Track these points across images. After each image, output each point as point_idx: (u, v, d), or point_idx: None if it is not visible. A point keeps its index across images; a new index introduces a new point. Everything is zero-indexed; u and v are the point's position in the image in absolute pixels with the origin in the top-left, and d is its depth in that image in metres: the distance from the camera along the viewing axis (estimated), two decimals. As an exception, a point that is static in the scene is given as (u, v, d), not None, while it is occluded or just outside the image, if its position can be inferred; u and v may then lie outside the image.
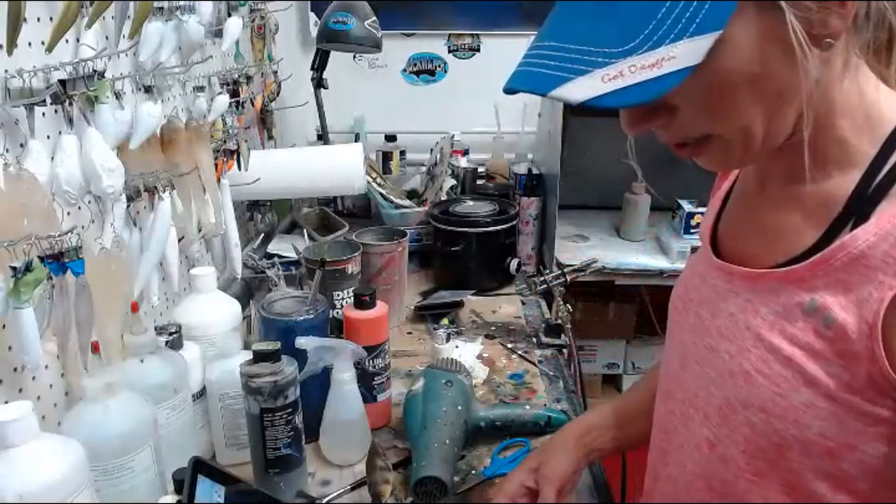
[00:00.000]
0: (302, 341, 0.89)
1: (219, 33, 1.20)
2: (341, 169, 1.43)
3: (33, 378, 0.78)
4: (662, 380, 0.70)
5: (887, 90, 0.53)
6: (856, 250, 0.49)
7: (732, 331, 0.58)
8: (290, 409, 0.84)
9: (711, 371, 0.60)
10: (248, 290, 1.40)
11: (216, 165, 1.14)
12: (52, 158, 0.76)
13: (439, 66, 2.09)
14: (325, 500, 0.87)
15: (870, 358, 0.48)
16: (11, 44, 0.69)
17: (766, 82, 0.48)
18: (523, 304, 1.49)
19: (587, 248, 1.77)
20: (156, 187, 0.93)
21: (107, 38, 0.90)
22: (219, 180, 1.15)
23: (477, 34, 2.05)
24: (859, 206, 0.50)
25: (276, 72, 1.69)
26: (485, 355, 1.24)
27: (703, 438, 0.61)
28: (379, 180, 1.70)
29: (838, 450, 0.51)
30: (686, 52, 0.44)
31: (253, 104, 1.49)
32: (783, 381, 0.52)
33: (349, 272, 1.18)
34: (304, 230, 1.52)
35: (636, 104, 0.46)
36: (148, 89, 0.94)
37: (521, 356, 1.25)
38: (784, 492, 0.55)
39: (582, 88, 0.45)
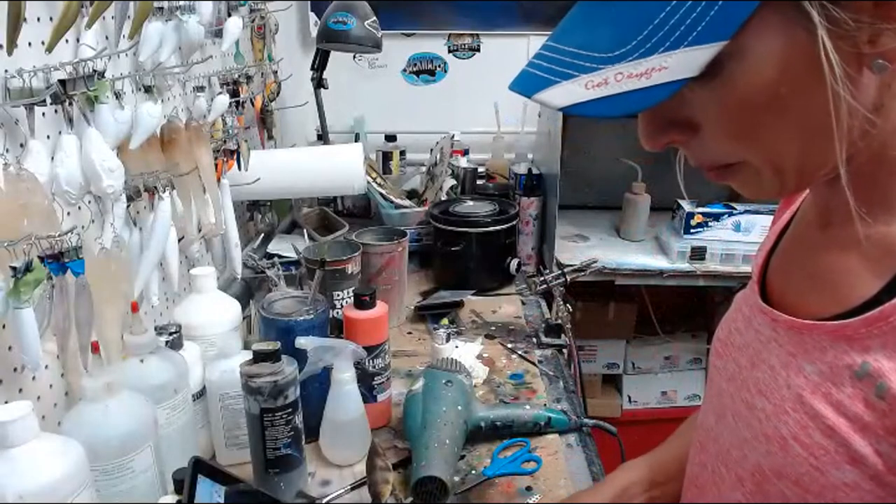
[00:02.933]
0: (302, 341, 0.89)
1: (219, 33, 1.20)
2: (341, 169, 1.43)
3: (33, 378, 0.78)
4: (699, 429, 0.64)
5: None
6: None
7: (772, 387, 0.51)
8: (290, 409, 0.84)
9: (746, 430, 0.53)
10: (248, 290, 1.40)
11: (216, 165, 1.14)
12: (52, 158, 0.76)
13: (439, 66, 2.09)
14: (325, 500, 0.87)
15: None
16: (11, 44, 0.69)
17: (796, 106, 0.42)
18: (523, 304, 1.49)
19: (587, 248, 1.77)
20: (156, 187, 0.93)
21: (107, 38, 0.90)
22: (219, 180, 1.15)
23: (477, 34, 2.05)
24: None
25: (276, 72, 1.69)
26: (485, 355, 1.24)
27: (723, 495, 0.56)
28: (379, 180, 1.70)
29: None
30: (680, 63, 0.39)
31: (253, 104, 1.49)
32: (823, 453, 0.46)
33: (349, 272, 1.18)
34: (304, 230, 1.52)
35: (615, 116, 0.41)
36: (148, 89, 0.94)
37: (521, 356, 1.25)
38: None
39: (564, 94, 0.42)
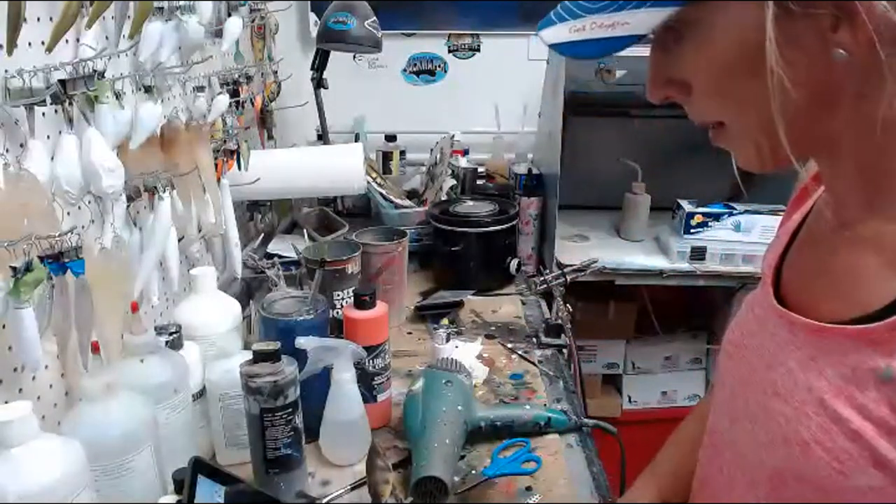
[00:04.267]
0: (302, 341, 0.89)
1: (219, 33, 1.20)
2: (341, 169, 1.43)
3: (33, 378, 0.78)
4: (711, 433, 0.64)
5: None
6: None
7: (791, 390, 0.50)
8: (290, 409, 0.84)
9: (763, 434, 0.53)
10: (248, 290, 1.40)
11: (216, 165, 1.14)
12: (52, 158, 0.76)
13: (439, 66, 2.09)
14: (325, 500, 0.87)
15: None
16: (11, 44, 0.69)
17: (758, 74, 0.44)
18: (523, 304, 1.48)
19: (587, 248, 1.77)
20: (156, 187, 0.93)
21: (107, 38, 0.90)
22: (219, 180, 1.15)
23: (477, 34, 2.05)
24: None
25: (276, 72, 1.69)
26: (485, 355, 1.24)
27: (738, 497, 0.55)
28: (379, 180, 1.70)
29: None
30: (639, 22, 0.45)
31: (253, 104, 1.49)
32: (847, 458, 0.45)
33: (349, 272, 1.18)
34: (304, 230, 1.52)
35: (578, 57, 0.49)
36: (148, 89, 0.94)
37: (521, 356, 1.25)
38: None
39: (553, 34, 0.50)
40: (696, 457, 0.67)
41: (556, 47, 0.50)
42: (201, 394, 0.92)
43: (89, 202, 0.86)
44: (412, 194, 1.80)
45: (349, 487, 0.90)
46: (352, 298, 1.04)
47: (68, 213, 0.80)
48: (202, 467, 0.69)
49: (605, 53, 0.48)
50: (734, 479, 0.57)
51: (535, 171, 1.71)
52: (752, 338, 0.58)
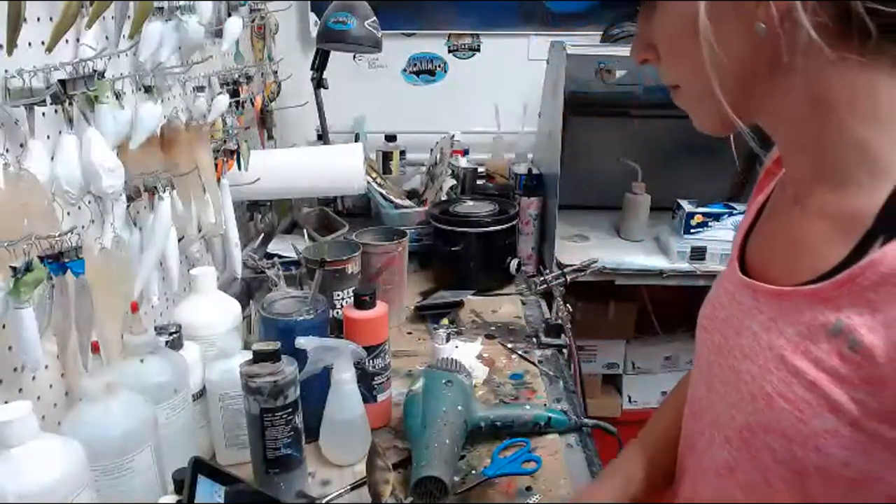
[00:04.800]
0: (302, 341, 0.89)
1: (219, 33, 1.20)
2: (341, 169, 1.43)
3: (33, 378, 0.78)
4: (691, 401, 0.68)
5: None
6: (886, 268, 0.45)
7: (755, 351, 0.55)
8: (290, 409, 0.84)
9: (734, 393, 0.57)
10: (248, 290, 1.40)
11: (216, 165, 1.14)
12: (52, 158, 0.76)
13: (439, 66, 2.09)
14: (325, 500, 0.87)
15: None
16: (11, 44, 0.69)
17: (706, 39, 0.49)
18: (523, 304, 1.48)
19: (587, 248, 1.77)
20: (156, 187, 0.93)
21: (107, 38, 0.90)
22: (219, 180, 1.15)
23: (477, 34, 2.05)
24: (891, 222, 0.47)
25: (276, 72, 1.69)
26: (485, 355, 1.24)
27: (722, 462, 0.59)
28: (379, 180, 1.70)
29: (862, 481, 0.48)
30: None
31: (253, 104, 1.49)
32: (805, 406, 0.49)
33: (349, 272, 1.18)
34: (304, 230, 1.52)
35: (564, 11, 0.57)
36: (148, 89, 0.94)
37: (521, 356, 1.25)
38: None
39: None
40: (680, 424, 0.71)
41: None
42: (201, 394, 0.92)
43: (89, 202, 0.86)
44: (412, 194, 1.80)
45: (349, 487, 0.90)
46: (352, 298, 1.04)
47: (68, 213, 0.80)
48: (202, 467, 0.69)
49: (567, 10, 0.53)
50: (713, 439, 0.61)
51: (535, 171, 1.71)
52: (723, 310, 0.63)
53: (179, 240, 1.03)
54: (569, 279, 1.33)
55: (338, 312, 1.14)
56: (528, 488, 0.90)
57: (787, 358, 0.51)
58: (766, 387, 0.52)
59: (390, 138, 1.97)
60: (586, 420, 1.03)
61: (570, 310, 1.32)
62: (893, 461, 0.47)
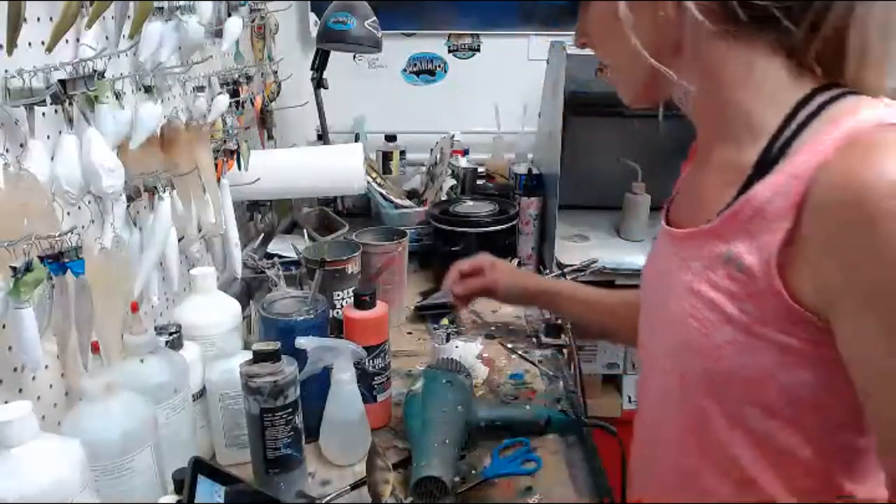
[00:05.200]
0: (302, 341, 0.89)
1: (219, 33, 1.20)
2: (341, 169, 1.43)
3: (33, 378, 0.78)
4: (640, 348, 0.78)
5: (802, 75, 0.59)
6: (757, 203, 0.57)
7: (674, 286, 0.66)
8: (290, 409, 0.84)
9: (661, 325, 0.69)
10: (248, 290, 1.40)
11: (216, 165, 1.14)
12: (52, 158, 0.76)
13: (439, 66, 2.09)
14: (325, 500, 0.87)
15: (774, 293, 0.56)
16: (11, 44, 0.69)
17: (622, 27, 0.61)
18: (523, 304, 1.48)
19: (587, 248, 1.77)
20: (156, 187, 0.93)
21: (107, 38, 0.90)
22: (219, 180, 1.15)
23: (477, 34, 2.05)
24: (763, 168, 0.58)
25: (276, 72, 1.69)
26: (485, 355, 1.24)
27: (660, 386, 0.71)
28: (379, 180, 1.70)
29: (760, 379, 0.59)
30: None
31: (253, 104, 1.49)
32: (709, 323, 0.61)
33: (349, 272, 1.18)
34: (304, 230, 1.52)
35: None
36: (148, 89, 0.94)
37: (521, 356, 1.25)
38: (726, 423, 0.63)
39: None
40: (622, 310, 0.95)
41: None
42: (201, 394, 0.92)
43: (89, 202, 0.86)
44: (412, 194, 1.80)
45: (349, 487, 0.90)
46: (352, 298, 1.04)
47: (68, 213, 0.80)
48: (202, 467, 0.69)
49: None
50: (654, 369, 0.73)
51: (535, 171, 1.71)
52: (655, 261, 0.75)
53: (179, 240, 1.03)
54: (569, 279, 1.33)
55: (338, 312, 1.14)
56: (529, 488, 0.90)
57: (694, 287, 0.62)
58: (682, 314, 0.64)
59: (390, 138, 1.97)
60: (586, 420, 1.03)
61: (570, 310, 1.32)
62: (782, 360, 0.57)
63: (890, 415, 0.53)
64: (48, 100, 0.74)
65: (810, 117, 0.56)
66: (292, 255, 1.43)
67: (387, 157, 1.95)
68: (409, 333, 1.35)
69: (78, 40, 0.83)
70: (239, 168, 1.25)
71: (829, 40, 0.57)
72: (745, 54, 0.59)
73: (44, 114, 0.78)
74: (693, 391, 0.64)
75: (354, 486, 0.90)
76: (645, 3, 0.60)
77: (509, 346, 1.28)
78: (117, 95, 0.82)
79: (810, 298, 0.55)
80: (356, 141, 1.93)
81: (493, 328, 1.36)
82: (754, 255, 0.57)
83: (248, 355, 0.84)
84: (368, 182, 1.57)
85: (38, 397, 0.79)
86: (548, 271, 1.43)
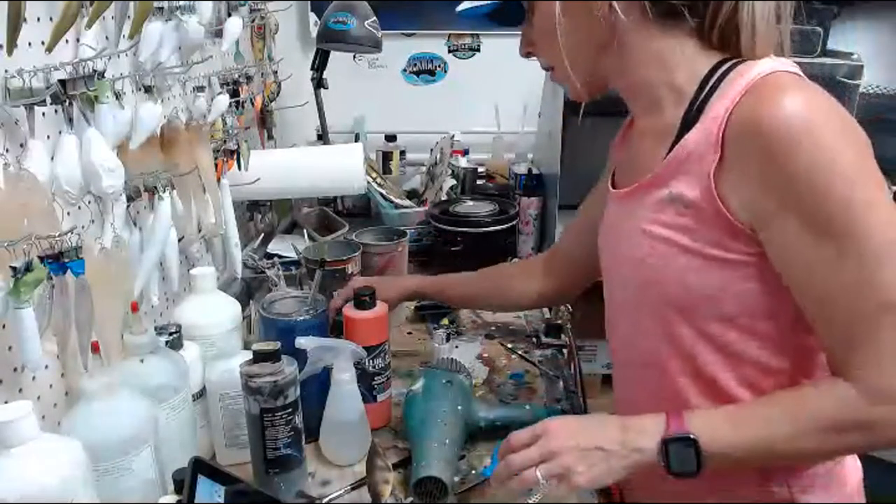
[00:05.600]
0: (302, 341, 0.89)
1: (219, 33, 1.20)
2: (341, 169, 1.43)
3: (33, 378, 0.78)
4: (607, 305, 0.89)
5: (710, 51, 0.72)
6: (689, 146, 0.69)
7: (628, 236, 0.77)
8: (290, 409, 0.84)
9: (623, 273, 0.80)
10: (248, 290, 1.40)
11: (216, 165, 1.14)
12: (52, 158, 0.76)
13: (439, 66, 2.09)
14: (325, 500, 0.87)
15: (718, 214, 0.66)
16: (11, 44, 0.69)
17: (564, 30, 0.74)
18: (523, 304, 1.48)
19: (587, 248, 1.77)
20: (156, 187, 0.93)
21: (107, 38, 0.90)
22: (219, 180, 1.15)
23: (477, 34, 2.05)
24: (688, 123, 0.70)
25: (276, 72, 1.69)
26: (485, 355, 1.24)
27: (628, 328, 0.83)
28: (379, 180, 1.70)
29: (717, 296, 0.69)
30: None
31: (253, 104, 1.49)
32: (665, 255, 0.71)
33: (349, 272, 1.18)
34: (304, 230, 1.52)
35: (470, 15, 0.76)
36: (148, 89, 0.94)
37: (521, 356, 1.25)
38: (698, 338, 0.73)
39: (467, 5, 0.79)
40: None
41: (462, 13, 0.74)
42: (201, 394, 0.92)
43: (89, 202, 0.86)
44: (412, 194, 1.80)
45: (349, 487, 0.90)
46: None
47: (68, 213, 0.80)
48: (202, 467, 0.69)
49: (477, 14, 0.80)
50: (621, 315, 0.85)
51: (535, 171, 1.71)
52: (608, 225, 0.85)
53: (179, 240, 1.03)
54: (569, 279, 1.33)
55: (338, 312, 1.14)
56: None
57: (646, 230, 0.73)
58: (639, 254, 0.74)
59: (390, 138, 1.97)
60: (586, 420, 1.03)
61: (570, 310, 1.32)
62: (732, 276, 0.68)
63: (823, 299, 0.64)
64: (48, 100, 0.74)
65: (719, 79, 0.69)
66: (292, 255, 1.43)
67: (387, 157, 1.95)
68: (409, 333, 1.35)
69: (78, 40, 0.83)
70: (239, 168, 1.25)
71: (726, 24, 0.70)
72: (663, 41, 0.72)
73: (44, 114, 0.78)
74: (660, 318, 0.75)
75: (354, 486, 0.90)
76: (581, 6, 0.72)
77: (509, 346, 1.28)
78: (117, 95, 0.82)
79: (742, 215, 0.66)
80: (356, 141, 1.93)
81: (493, 328, 1.36)
82: (695, 189, 0.68)
83: (248, 355, 0.84)
84: (368, 182, 1.57)
85: (38, 397, 0.79)
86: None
